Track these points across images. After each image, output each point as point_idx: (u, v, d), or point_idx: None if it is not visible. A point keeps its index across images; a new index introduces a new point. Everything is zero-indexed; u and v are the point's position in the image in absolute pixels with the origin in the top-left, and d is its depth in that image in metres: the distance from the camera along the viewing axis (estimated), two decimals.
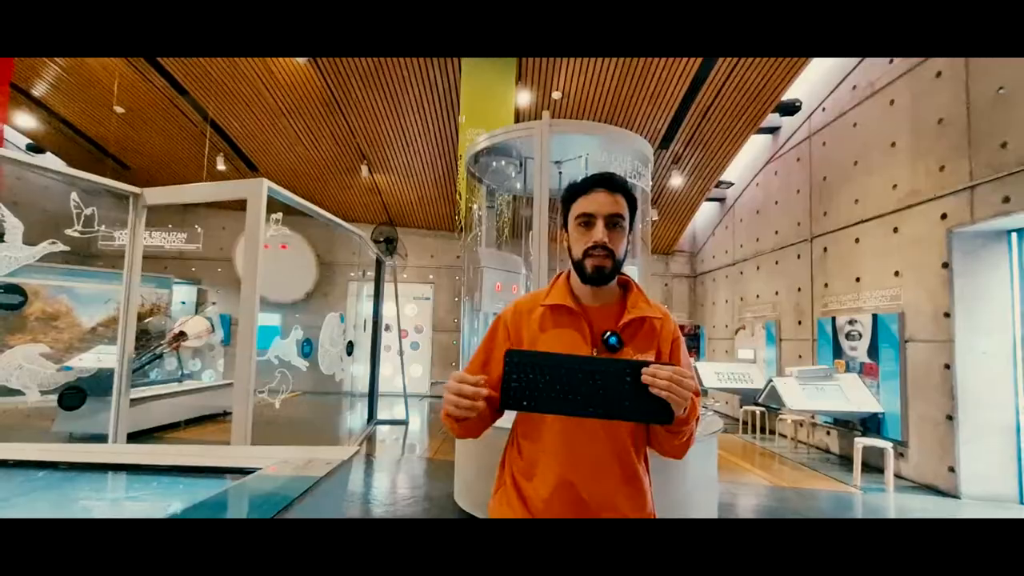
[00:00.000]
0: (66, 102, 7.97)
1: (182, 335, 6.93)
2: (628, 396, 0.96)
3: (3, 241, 3.28)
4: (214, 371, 9.09)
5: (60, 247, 3.58)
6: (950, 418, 4.54)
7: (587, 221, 1.13)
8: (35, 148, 9.30)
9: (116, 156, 9.09)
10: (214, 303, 8.39)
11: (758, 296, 8.11)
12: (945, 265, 4.63)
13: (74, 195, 3.85)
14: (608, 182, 1.15)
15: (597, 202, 1.13)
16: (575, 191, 1.17)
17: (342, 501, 4.59)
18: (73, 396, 3.69)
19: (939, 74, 4.79)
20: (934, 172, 4.79)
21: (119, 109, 7.62)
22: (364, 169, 8.83)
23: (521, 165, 3.96)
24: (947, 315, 4.59)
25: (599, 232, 1.11)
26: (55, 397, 3.71)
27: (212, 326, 7.43)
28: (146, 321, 7.88)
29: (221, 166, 8.65)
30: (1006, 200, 4.09)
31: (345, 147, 8.50)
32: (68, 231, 3.81)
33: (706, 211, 10.23)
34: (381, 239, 8.65)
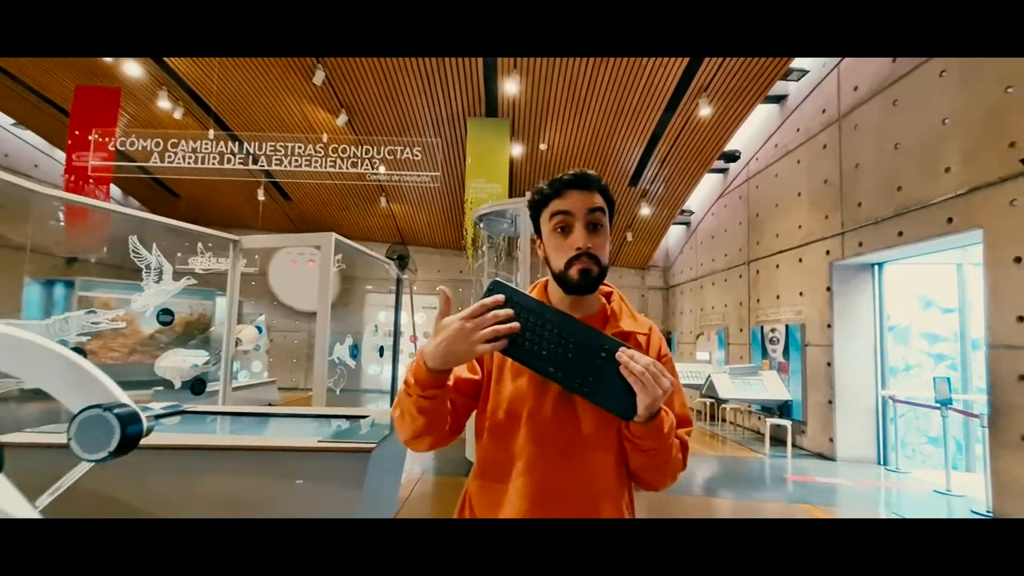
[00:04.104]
0: (136, 144, 9.54)
1: (237, 341, 8.47)
2: (595, 373, 0.87)
3: (161, 279, 4.86)
4: (248, 372, 10.66)
5: (193, 281, 5.14)
6: (831, 402, 6.13)
7: (564, 225, 0.98)
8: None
9: (168, 186, 10.66)
10: (262, 314, 9.92)
11: (713, 307, 9.71)
12: (829, 288, 6.22)
13: (200, 244, 5.45)
14: (583, 182, 0.98)
15: (573, 201, 0.97)
16: (546, 195, 1.01)
17: None
18: (199, 384, 5.27)
19: (825, 146, 6.40)
20: (822, 219, 6.40)
21: None
22: (383, 200, 10.43)
23: (512, 220, 5.53)
24: (829, 326, 6.18)
25: (579, 237, 0.96)
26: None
27: (258, 334, 9.00)
28: (211, 329, 9.46)
29: (261, 196, 10.24)
30: (860, 244, 5.70)
31: (368, 182, 10.09)
32: (197, 269, 5.40)
33: (676, 232, 11.86)
34: (395, 256, 10.25)
